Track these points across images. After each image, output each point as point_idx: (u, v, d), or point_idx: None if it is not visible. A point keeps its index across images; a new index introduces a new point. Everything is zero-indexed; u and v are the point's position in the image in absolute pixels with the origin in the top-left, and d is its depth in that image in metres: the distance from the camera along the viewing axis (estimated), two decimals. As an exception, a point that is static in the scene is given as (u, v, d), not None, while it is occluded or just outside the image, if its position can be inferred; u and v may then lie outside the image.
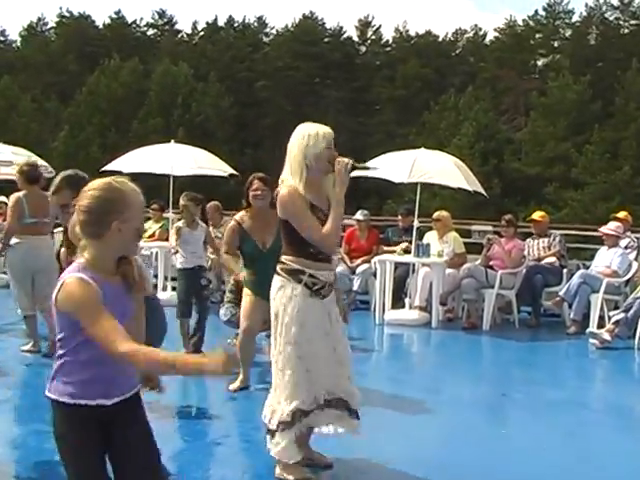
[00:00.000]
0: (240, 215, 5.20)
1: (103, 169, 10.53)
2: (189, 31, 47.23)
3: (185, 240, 6.16)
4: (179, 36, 47.36)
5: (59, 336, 2.21)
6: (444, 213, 8.84)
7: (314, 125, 3.50)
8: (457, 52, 45.59)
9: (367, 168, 3.64)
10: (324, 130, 3.47)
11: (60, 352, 2.22)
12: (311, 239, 3.39)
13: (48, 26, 47.00)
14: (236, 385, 5.09)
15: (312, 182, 3.44)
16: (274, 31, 46.23)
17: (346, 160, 3.43)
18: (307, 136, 3.44)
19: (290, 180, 3.44)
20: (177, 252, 6.22)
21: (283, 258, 3.51)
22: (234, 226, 5.18)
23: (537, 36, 43.29)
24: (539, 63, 43.76)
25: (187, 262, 6.11)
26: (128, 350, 2.03)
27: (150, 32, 48.18)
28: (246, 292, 5.09)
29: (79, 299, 2.11)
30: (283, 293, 3.47)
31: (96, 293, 2.12)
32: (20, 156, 10.42)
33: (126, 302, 2.25)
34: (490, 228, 9.32)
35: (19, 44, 46.13)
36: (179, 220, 6.56)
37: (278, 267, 3.51)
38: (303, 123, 3.57)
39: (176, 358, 2.05)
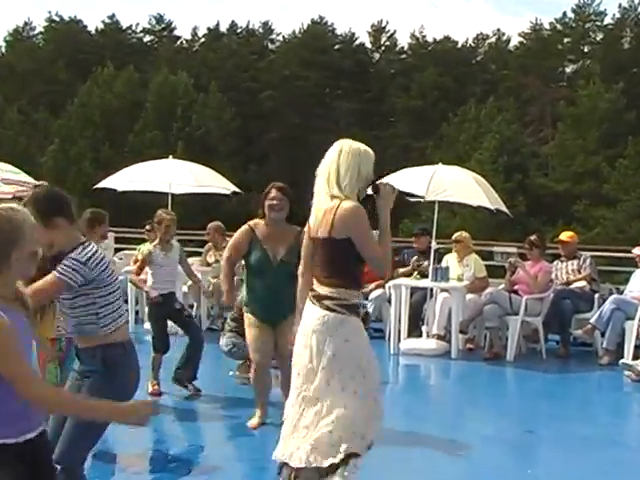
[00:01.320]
0: (255, 221, 5.07)
1: (96, 186, 10.68)
2: (189, 37, 47.85)
3: (158, 265, 5.99)
4: (178, 43, 47.88)
5: None
6: (464, 234, 8.85)
7: (358, 142, 3.67)
8: (478, 59, 45.90)
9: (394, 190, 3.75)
10: (370, 150, 3.64)
11: None
12: (375, 258, 3.48)
13: (36, 31, 47.56)
14: (255, 421, 5.10)
15: None
16: (280, 37, 46.79)
17: (388, 183, 3.62)
18: (363, 151, 3.60)
19: (349, 197, 3.50)
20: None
21: (331, 291, 3.48)
22: (247, 230, 5.05)
23: (565, 40, 43.51)
24: (567, 70, 43.98)
25: (157, 290, 5.93)
26: (46, 393, 2.17)
27: (147, 38, 48.77)
28: (249, 319, 5.00)
29: None
30: (345, 330, 3.49)
31: (7, 327, 2.16)
32: (7, 172, 10.50)
33: (30, 328, 2.34)
34: (514, 250, 9.31)
35: (4, 50, 46.46)
36: (151, 241, 6.44)
37: (329, 303, 3.48)
38: (344, 139, 3.71)
39: (90, 403, 2.23)
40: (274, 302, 4.85)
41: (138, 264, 6.33)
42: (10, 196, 9.55)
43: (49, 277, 2.96)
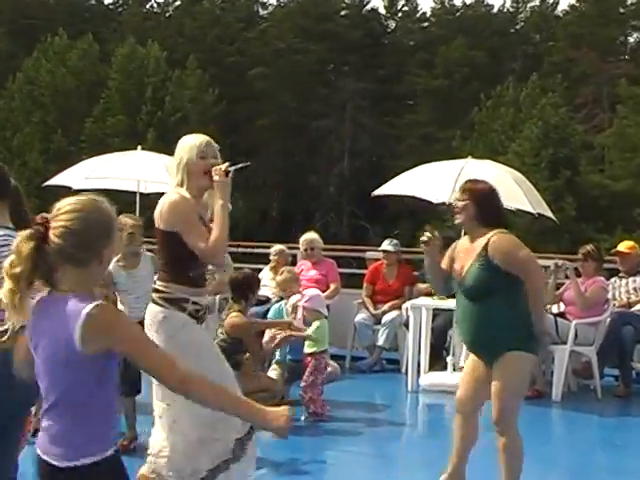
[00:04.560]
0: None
1: (46, 183, 10.72)
2: (161, 0, 48.05)
3: (123, 290, 5.87)
4: (147, 6, 48.11)
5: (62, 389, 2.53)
6: (499, 243, 8.86)
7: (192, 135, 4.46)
8: (517, 28, 46.04)
9: (245, 166, 4.46)
10: (200, 140, 4.35)
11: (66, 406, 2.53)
12: (198, 249, 4.10)
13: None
14: None
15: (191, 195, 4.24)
16: (273, 1, 47.00)
17: (223, 165, 4.23)
18: (183, 140, 4.39)
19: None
20: None
21: (160, 283, 4.21)
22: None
23: (629, 1, 43.43)
24: (630, 40, 44.10)
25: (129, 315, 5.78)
26: (191, 378, 2.52)
27: (108, 0, 48.97)
28: None
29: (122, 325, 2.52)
30: (169, 325, 4.11)
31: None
32: None
33: None
34: (561, 262, 9.34)
35: None
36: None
37: (155, 295, 4.20)
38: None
39: (236, 396, 2.69)
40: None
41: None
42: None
43: None
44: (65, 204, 2.57)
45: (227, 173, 4.23)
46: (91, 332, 2.43)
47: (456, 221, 4.97)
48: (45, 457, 2.54)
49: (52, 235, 2.52)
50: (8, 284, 2.48)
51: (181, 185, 4.28)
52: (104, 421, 2.57)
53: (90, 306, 2.45)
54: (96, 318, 2.44)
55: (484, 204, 4.79)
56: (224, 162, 4.29)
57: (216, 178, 4.20)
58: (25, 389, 3.26)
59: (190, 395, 2.54)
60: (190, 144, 4.35)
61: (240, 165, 4.36)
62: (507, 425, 4.67)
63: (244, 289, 6.60)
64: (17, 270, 2.48)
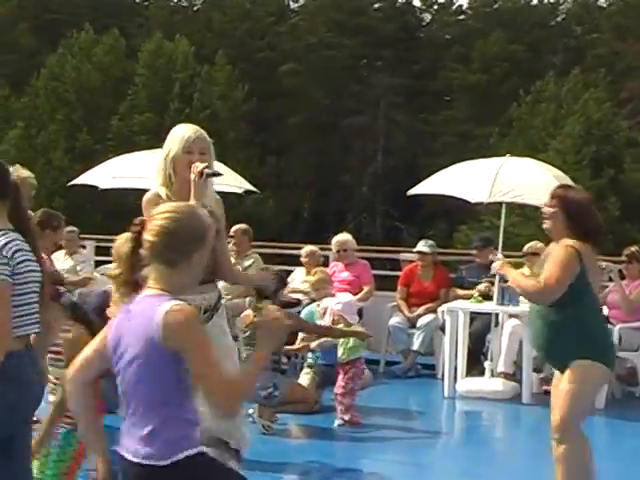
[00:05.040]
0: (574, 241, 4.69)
1: (71, 183, 10.81)
2: (189, -6, 48.18)
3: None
4: (175, 0, 48.31)
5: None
6: (539, 244, 8.81)
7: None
8: (559, 20, 45.73)
9: (218, 174, 4.61)
10: (189, 133, 4.44)
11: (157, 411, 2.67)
12: None
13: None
14: None
15: (179, 191, 4.32)
16: (305, -6, 46.92)
17: (200, 165, 4.31)
18: (173, 130, 4.50)
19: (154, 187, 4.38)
20: None
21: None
22: (573, 253, 4.66)
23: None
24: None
25: None
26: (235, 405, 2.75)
27: (136, -5, 49.13)
28: None
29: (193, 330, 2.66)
30: None
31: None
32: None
33: None
34: (605, 264, 9.28)
35: None
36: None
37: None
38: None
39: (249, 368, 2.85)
40: None
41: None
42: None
43: None
44: (164, 208, 2.85)
45: (201, 174, 4.30)
46: (170, 330, 2.60)
47: (544, 226, 4.88)
48: (136, 459, 2.65)
49: (146, 234, 2.76)
50: (116, 289, 2.86)
51: (169, 180, 4.36)
52: (189, 419, 2.70)
53: (171, 303, 2.65)
54: (175, 316, 2.61)
55: (574, 214, 4.71)
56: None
57: (191, 176, 4.28)
58: (26, 404, 3.36)
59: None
60: (179, 136, 4.42)
61: (214, 172, 4.49)
62: (566, 434, 4.65)
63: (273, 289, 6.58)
64: (118, 272, 2.72)
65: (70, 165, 31.71)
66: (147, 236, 2.75)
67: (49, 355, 3.93)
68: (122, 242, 2.74)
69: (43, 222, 5.62)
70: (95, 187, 10.39)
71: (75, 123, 36.40)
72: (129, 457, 2.66)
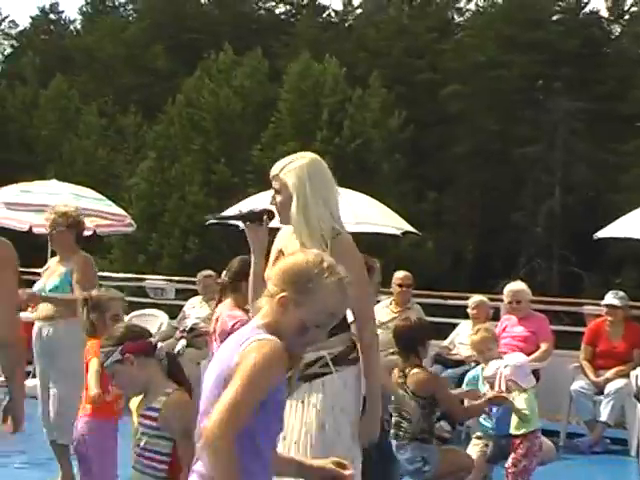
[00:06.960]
0: None
1: (210, 222, 11.04)
2: (340, 8, 49.08)
3: None
4: (324, 15, 49.17)
5: None
6: None
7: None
8: None
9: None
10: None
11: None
12: None
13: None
14: None
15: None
16: (472, 6, 47.06)
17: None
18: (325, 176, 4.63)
19: None
20: None
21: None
22: None
23: None
24: None
25: None
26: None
27: (280, 10, 50.33)
28: None
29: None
30: None
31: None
32: (85, 199, 10.98)
33: None
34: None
35: (79, 26, 48.10)
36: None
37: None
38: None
39: None
40: None
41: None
42: (90, 232, 10.03)
43: None
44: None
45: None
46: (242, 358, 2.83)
47: None
48: None
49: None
50: None
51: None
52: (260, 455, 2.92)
53: (259, 336, 2.88)
54: (253, 347, 2.83)
55: None
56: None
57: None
58: None
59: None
60: (328, 173, 4.42)
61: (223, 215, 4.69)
62: None
63: (414, 341, 6.37)
64: None
65: (205, 200, 32.54)
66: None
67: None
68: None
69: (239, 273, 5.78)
70: (235, 226, 10.53)
71: (212, 154, 37.16)
72: None
